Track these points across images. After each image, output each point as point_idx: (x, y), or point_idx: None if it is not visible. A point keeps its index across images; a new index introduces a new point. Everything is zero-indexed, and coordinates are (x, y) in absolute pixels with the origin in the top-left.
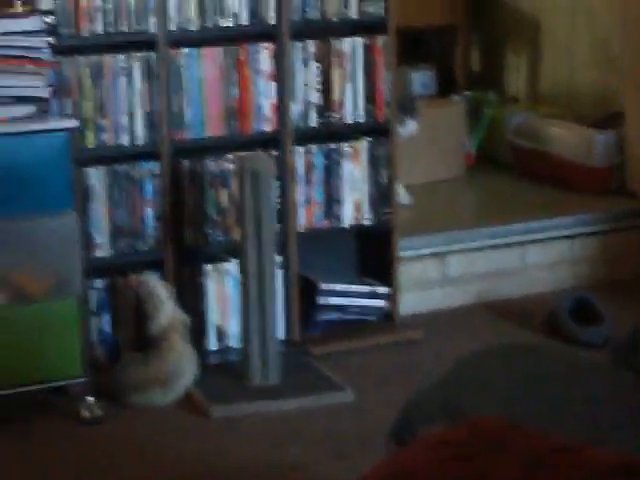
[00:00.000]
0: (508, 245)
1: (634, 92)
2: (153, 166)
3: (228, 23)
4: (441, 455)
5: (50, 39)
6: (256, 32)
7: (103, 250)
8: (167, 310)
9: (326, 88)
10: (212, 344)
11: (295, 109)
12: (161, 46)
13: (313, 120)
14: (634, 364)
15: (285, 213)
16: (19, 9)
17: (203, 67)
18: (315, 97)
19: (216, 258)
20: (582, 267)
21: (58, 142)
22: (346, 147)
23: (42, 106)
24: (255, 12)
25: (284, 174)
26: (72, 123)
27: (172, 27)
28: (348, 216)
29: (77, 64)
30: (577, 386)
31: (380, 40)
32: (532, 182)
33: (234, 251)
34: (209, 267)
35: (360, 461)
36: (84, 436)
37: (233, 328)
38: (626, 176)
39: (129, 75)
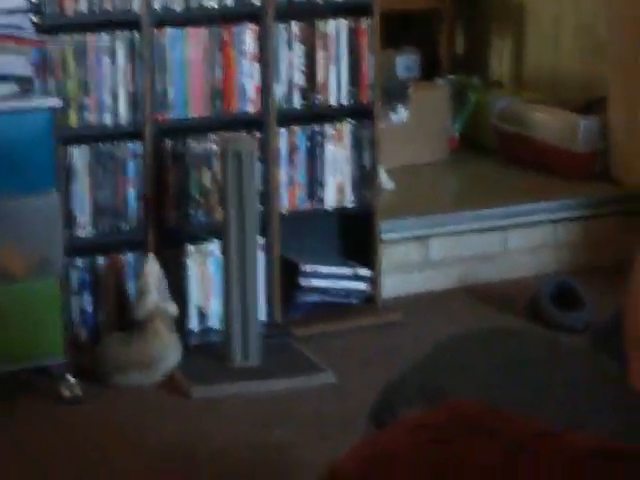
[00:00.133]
0: (490, 229)
1: (618, 78)
2: (136, 146)
3: (213, 3)
4: (420, 438)
5: (34, 18)
6: (241, 13)
7: (85, 230)
8: (154, 296)
9: (310, 70)
10: (193, 325)
11: (279, 90)
12: (145, 26)
13: (297, 102)
14: (614, 349)
15: (268, 194)
16: None
17: (187, 47)
18: (299, 79)
19: (198, 239)
20: (564, 252)
21: (41, 121)
22: (329, 129)
23: (25, 85)
24: None
25: (267, 155)
26: (55, 102)
27: (156, 7)
28: (331, 198)
29: (61, 43)
30: (557, 371)
31: (365, 23)
32: (516, 166)
33: (216, 232)
34: (191, 248)
35: (343, 442)
36: (64, 416)
37: (215, 309)
38: (609, 162)
39: (113, 55)
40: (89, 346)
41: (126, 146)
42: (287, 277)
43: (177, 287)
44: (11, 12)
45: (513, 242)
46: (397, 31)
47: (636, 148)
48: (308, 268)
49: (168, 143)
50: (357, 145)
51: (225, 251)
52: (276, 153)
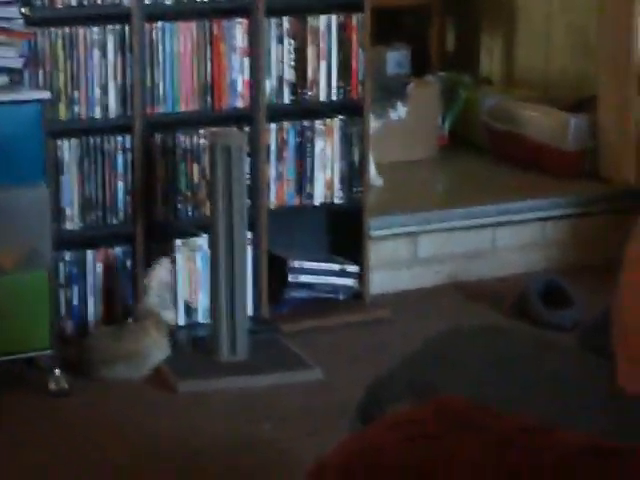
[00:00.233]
0: (480, 226)
1: (609, 77)
2: (125, 140)
3: None
4: (408, 433)
5: (24, 10)
6: (231, 7)
7: (73, 223)
8: (153, 299)
9: (300, 65)
10: (180, 319)
11: (269, 85)
12: (135, 19)
13: (286, 97)
14: (602, 347)
15: (256, 190)
16: None
17: (177, 41)
18: (289, 74)
19: (186, 233)
20: (553, 250)
21: (30, 113)
22: (319, 125)
23: (14, 77)
24: None
25: (256, 150)
26: (44, 95)
27: (147, 0)
28: (319, 194)
29: (51, 35)
30: (545, 368)
31: (355, 18)
32: (505, 164)
33: (205, 226)
34: (179, 242)
35: (330, 438)
36: (51, 408)
37: (202, 303)
38: (599, 160)
39: (103, 48)
40: (76, 339)
41: (115, 140)
42: (275, 272)
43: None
44: (1, 4)
45: (502, 240)
46: (388, 27)
47: (625, 147)
48: (296, 264)
49: (157, 137)
50: (346, 141)
51: (213, 246)
52: (265, 148)
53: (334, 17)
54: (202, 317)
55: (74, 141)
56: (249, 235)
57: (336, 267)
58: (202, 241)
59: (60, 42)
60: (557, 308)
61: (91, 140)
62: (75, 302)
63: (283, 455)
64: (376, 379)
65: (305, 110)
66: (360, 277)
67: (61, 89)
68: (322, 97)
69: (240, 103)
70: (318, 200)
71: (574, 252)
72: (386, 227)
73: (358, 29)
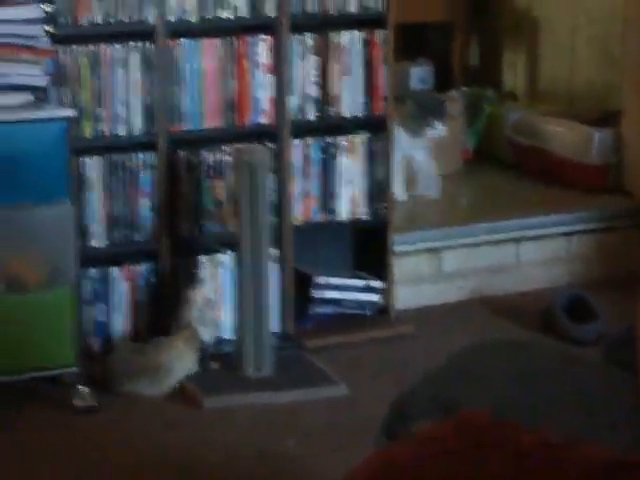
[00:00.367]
0: (503, 241)
1: (633, 91)
2: (150, 157)
3: (227, 15)
4: (430, 449)
5: (49, 28)
6: (255, 24)
7: (98, 240)
8: (194, 312)
9: (324, 82)
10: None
11: (293, 102)
12: (160, 37)
13: (311, 113)
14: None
15: (281, 206)
16: None
17: (201, 59)
18: (313, 90)
19: (211, 250)
20: (577, 264)
21: (55, 131)
22: (343, 141)
23: (40, 95)
24: (254, 4)
25: (281, 167)
26: (69, 112)
27: (171, 18)
28: (344, 210)
29: (75, 53)
30: (569, 383)
31: (379, 34)
32: (529, 179)
33: (229, 243)
34: (204, 258)
35: (354, 454)
36: (76, 425)
37: (227, 319)
38: (623, 174)
39: (127, 65)
40: (102, 356)
41: (140, 157)
42: (300, 289)
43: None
44: (26, 22)
45: (526, 254)
46: (411, 43)
47: None
48: (321, 280)
49: (182, 154)
50: (371, 157)
51: (238, 262)
52: (290, 165)
53: (358, 33)
54: (227, 333)
55: (98, 158)
56: (274, 251)
57: (361, 283)
58: (227, 258)
59: (84, 60)
60: (581, 322)
61: (115, 157)
62: (100, 319)
63: (308, 471)
64: (400, 395)
65: (329, 126)
66: (385, 293)
67: (86, 107)
68: (346, 113)
69: (264, 120)
70: (343, 216)
71: (598, 266)
72: (410, 242)
73: (382, 45)
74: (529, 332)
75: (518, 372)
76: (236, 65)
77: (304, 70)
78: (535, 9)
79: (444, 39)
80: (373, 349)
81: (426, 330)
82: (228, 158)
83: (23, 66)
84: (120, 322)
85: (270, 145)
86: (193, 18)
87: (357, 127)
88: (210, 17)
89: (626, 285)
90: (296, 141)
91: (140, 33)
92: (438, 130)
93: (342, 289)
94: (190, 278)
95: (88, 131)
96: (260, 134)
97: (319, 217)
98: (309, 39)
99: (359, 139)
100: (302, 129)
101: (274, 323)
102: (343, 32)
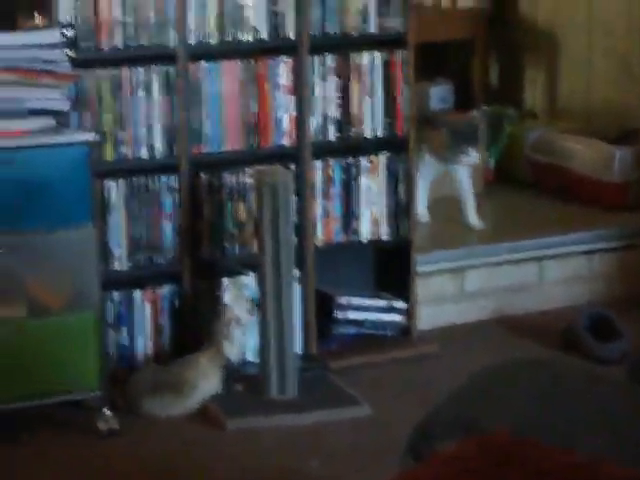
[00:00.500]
0: (525, 260)
1: None
2: (171, 179)
3: (248, 37)
4: (453, 469)
5: (70, 52)
6: (275, 46)
7: (121, 263)
8: (219, 334)
9: (345, 102)
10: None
11: (314, 123)
12: (180, 60)
13: (332, 134)
14: None
15: (303, 227)
16: (39, 22)
17: (222, 81)
18: (334, 111)
19: (234, 272)
20: (599, 283)
21: (77, 155)
22: (365, 161)
23: (61, 119)
24: (275, 26)
25: (302, 188)
26: (91, 136)
27: (192, 41)
28: (366, 230)
29: (96, 77)
30: (593, 401)
31: (399, 54)
32: (550, 197)
33: (252, 265)
34: (226, 281)
35: (378, 475)
36: (100, 449)
37: (250, 341)
38: None
39: (148, 88)
40: (125, 378)
41: (162, 179)
42: (322, 309)
43: (212, 320)
44: (47, 47)
45: (548, 273)
46: (430, 62)
47: None
48: (343, 300)
49: (203, 176)
50: (392, 177)
51: (261, 284)
52: (311, 186)
53: (378, 54)
54: (250, 355)
55: (121, 181)
56: (297, 272)
57: (383, 303)
58: (249, 279)
59: (106, 83)
60: (605, 341)
61: (138, 180)
62: (124, 342)
63: None
64: (425, 415)
65: (350, 147)
66: (407, 313)
67: (107, 130)
68: (367, 134)
69: (285, 141)
70: (365, 237)
71: (620, 284)
72: (432, 262)
73: (402, 65)
74: (551, 351)
75: (541, 391)
76: (257, 87)
77: (325, 91)
78: (553, 26)
79: (463, 58)
80: (396, 369)
81: (449, 350)
82: (250, 180)
83: (44, 90)
84: (143, 345)
85: (292, 166)
86: (213, 41)
87: (378, 147)
88: (230, 39)
89: None
90: (317, 162)
91: (161, 56)
92: (472, 157)
93: (364, 310)
94: (213, 300)
95: (110, 154)
96: (281, 155)
97: (341, 237)
98: (329, 60)
99: (380, 159)
100: (323, 150)
101: (297, 344)
102: (363, 52)
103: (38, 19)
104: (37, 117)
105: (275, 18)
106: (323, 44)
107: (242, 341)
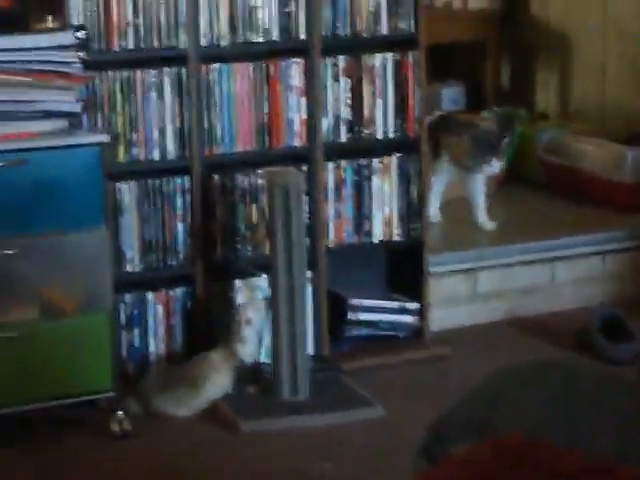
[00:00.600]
0: (538, 261)
1: None
2: (184, 181)
3: (259, 39)
4: (467, 473)
5: (81, 54)
6: (287, 47)
7: (133, 265)
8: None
9: (356, 103)
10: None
11: (325, 124)
12: (192, 61)
13: (343, 135)
14: None
15: (315, 228)
16: (51, 24)
17: (234, 82)
18: (345, 112)
19: (246, 273)
20: (612, 284)
21: (89, 157)
22: (376, 163)
23: (73, 121)
24: (286, 28)
25: (314, 189)
26: (103, 138)
27: (203, 43)
28: (378, 232)
29: (108, 79)
30: (607, 403)
31: (410, 56)
32: (562, 198)
33: (264, 266)
34: (239, 282)
35: (391, 476)
36: (113, 450)
37: (264, 343)
38: None
39: (160, 90)
40: (138, 380)
41: (174, 181)
42: (335, 311)
43: (225, 321)
44: (59, 48)
45: (560, 274)
46: (442, 64)
47: None
48: (356, 302)
49: (216, 178)
50: (404, 178)
51: (273, 285)
52: (323, 187)
53: (389, 55)
54: (263, 356)
55: (133, 183)
56: (308, 274)
57: (396, 305)
58: (262, 281)
59: (118, 85)
60: (617, 342)
61: (150, 182)
62: (136, 344)
63: None
64: (438, 417)
65: (362, 148)
66: (420, 314)
67: (119, 132)
68: (379, 135)
69: (297, 142)
70: (377, 238)
71: (633, 285)
72: (445, 264)
73: (414, 66)
74: (564, 352)
75: (554, 393)
76: (268, 88)
77: (336, 92)
78: (566, 28)
79: (475, 59)
80: (408, 371)
81: (461, 351)
82: (262, 181)
83: (57, 92)
84: (155, 347)
85: (303, 168)
86: (225, 42)
87: (390, 148)
88: (242, 41)
89: None
90: (329, 163)
91: (172, 58)
92: (494, 167)
93: (377, 311)
94: (225, 302)
95: (122, 156)
96: (293, 157)
97: (353, 239)
98: (341, 61)
99: (392, 160)
100: (335, 151)
101: (309, 346)
102: (375, 54)
103: (50, 21)
104: (50, 119)
105: (286, 19)
106: (334, 45)
107: (255, 343)
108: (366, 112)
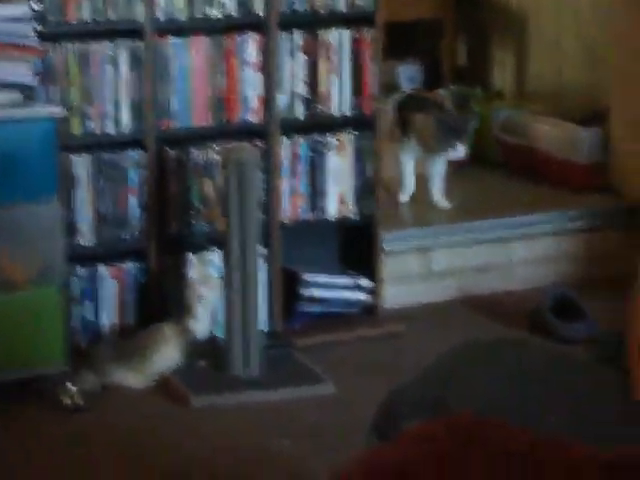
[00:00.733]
0: (492, 241)
1: (620, 89)
2: (138, 155)
3: (216, 13)
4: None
5: (37, 26)
6: (244, 23)
7: (86, 238)
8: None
9: (313, 80)
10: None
11: (281, 100)
12: (148, 35)
13: (299, 112)
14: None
15: (270, 204)
16: None
17: (190, 56)
18: (301, 89)
19: (199, 248)
20: (566, 264)
21: (44, 129)
22: (332, 139)
23: (28, 93)
24: (243, 3)
25: (269, 165)
26: (58, 111)
27: (160, 16)
28: (333, 209)
29: (64, 51)
30: (561, 382)
31: (367, 33)
32: (518, 178)
33: (218, 241)
34: (192, 257)
35: (343, 453)
36: (64, 424)
37: (217, 318)
38: (612, 174)
39: (116, 63)
40: (89, 354)
41: (128, 155)
42: (288, 287)
43: (177, 296)
44: (14, 20)
45: (515, 254)
46: (399, 41)
47: (638, 160)
48: (309, 278)
49: (170, 152)
50: (359, 156)
51: (226, 261)
52: (278, 163)
53: (346, 32)
54: (215, 332)
55: (87, 156)
56: (262, 250)
57: (349, 281)
58: (215, 256)
59: (73, 58)
60: (569, 321)
61: (104, 155)
62: (89, 317)
63: (295, 470)
64: (390, 394)
65: (318, 125)
66: (373, 291)
67: (74, 105)
68: (334, 112)
69: (253, 118)
70: (331, 215)
71: (587, 266)
72: (399, 241)
73: (370, 43)
74: (518, 331)
75: (508, 371)
76: (225, 63)
77: (293, 68)
78: (522, 7)
79: (432, 38)
80: (362, 348)
81: (414, 329)
82: (217, 156)
83: (11, 64)
84: (108, 320)
85: (259, 143)
86: (182, 16)
87: (346, 125)
88: (199, 15)
89: (614, 284)
90: (285, 139)
91: (129, 31)
92: (458, 152)
93: (330, 287)
94: (178, 276)
95: (77, 129)
96: (249, 132)
97: (307, 215)
98: (298, 37)
99: (347, 137)
100: (291, 127)
101: (262, 321)
102: (332, 30)
103: None
104: (4, 91)
105: None
106: (292, 21)
107: (208, 319)
108: (322, 88)
